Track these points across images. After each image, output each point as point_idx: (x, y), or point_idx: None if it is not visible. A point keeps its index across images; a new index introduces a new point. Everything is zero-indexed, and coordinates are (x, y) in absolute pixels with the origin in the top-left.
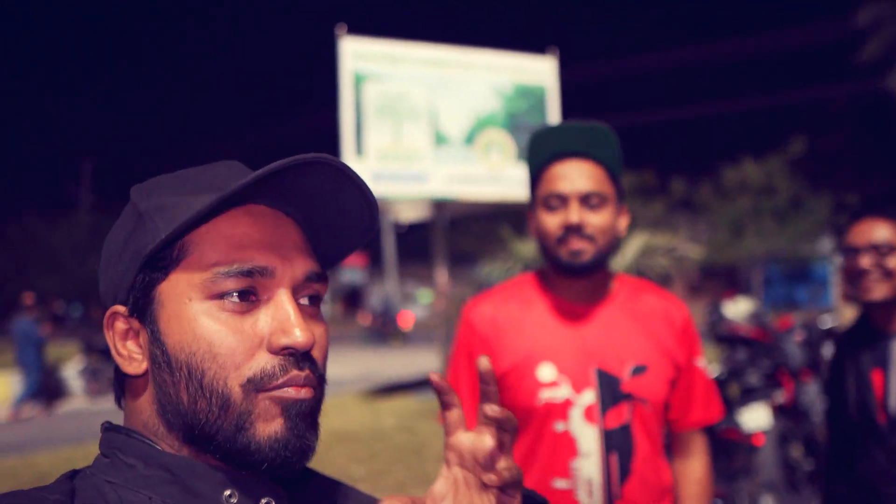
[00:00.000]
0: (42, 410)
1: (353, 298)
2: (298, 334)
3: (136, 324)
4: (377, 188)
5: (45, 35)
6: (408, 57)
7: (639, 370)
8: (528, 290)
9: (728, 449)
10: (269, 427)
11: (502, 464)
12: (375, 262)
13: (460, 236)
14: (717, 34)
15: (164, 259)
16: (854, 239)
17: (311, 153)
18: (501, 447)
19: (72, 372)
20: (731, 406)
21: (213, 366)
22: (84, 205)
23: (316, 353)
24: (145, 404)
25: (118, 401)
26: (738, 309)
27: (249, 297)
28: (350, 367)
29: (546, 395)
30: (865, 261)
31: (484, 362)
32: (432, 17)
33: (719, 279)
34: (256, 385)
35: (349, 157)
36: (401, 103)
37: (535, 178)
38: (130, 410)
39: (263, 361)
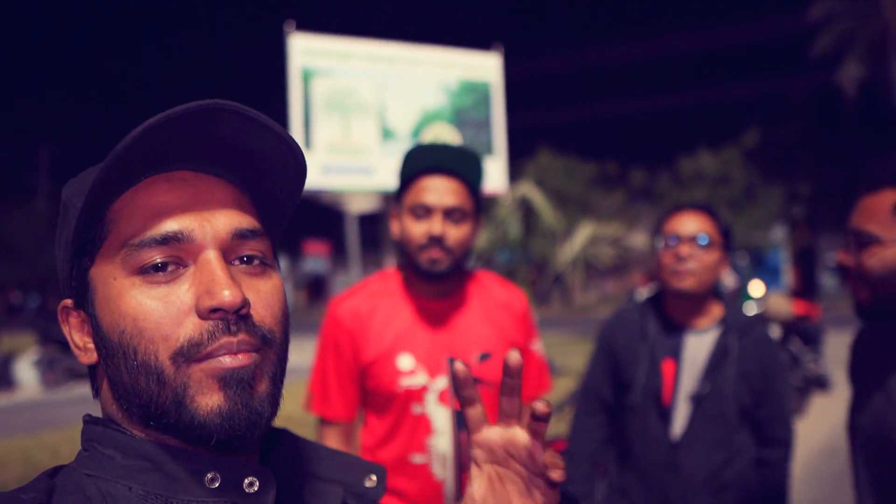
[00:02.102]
0: None
1: (316, 287)
2: (225, 293)
3: (82, 314)
4: (327, 181)
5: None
6: (356, 53)
7: (485, 357)
8: (390, 287)
9: None
10: (208, 400)
11: (549, 456)
12: (339, 251)
13: None
14: (673, 28)
15: (89, 243)
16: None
17: (200, 102)
18: (537, 437)
19: (26, 363)
20: None
21: (142, 341)
22: (42, 191)
23: (260, 312)
24: (106, 393)
25: (95, 395)
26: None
27: (171, 267)
28: (309, 354)
29: (406, 383)
30: (684, 249)
31: (514, 356)
32: (379, 14)
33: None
34: (185, 355)
35: None
36: (349, 98)
37: (405, 185)
38: (101, 402)
39: (190, 328)
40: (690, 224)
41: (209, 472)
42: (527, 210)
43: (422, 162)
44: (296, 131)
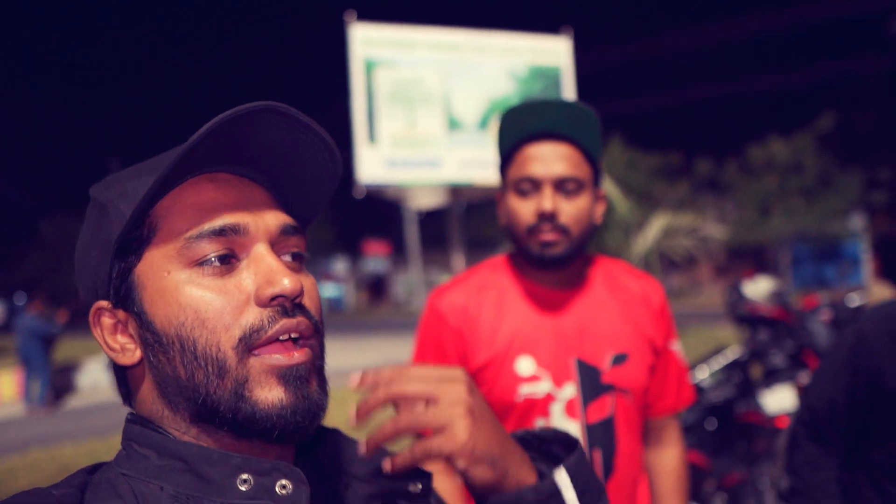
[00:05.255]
0: (49, 406)
1: (377, 287)
2: (286, 282)
3: (121, 314)
4: (392, 175)
5: (69, 31)
6: (419, 42)
7: (619, 359)
8: (500, 277)
9: (749, 432)
10: (269, 394)
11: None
12: (399, 251)
13: (478, 222)
14: (742, 10)
15: (134, 241)
16: None
17: (255, 103)
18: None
19: (100, 365)
20: (752, 388)
21: (203, 332)
22: None
23: (308, 303)
24: (146, 393)
25: (126, 399)
26: (757, 288)
27: (229, 259)
28: (372, 355)
29: (526, 391)
30: None
31: (354, 378)
32: (442, 1)
33: (746, 259)
34: (247, 342)
35: (362, 145)
36: (413, 89)
37: (507, 158)
38: (138, 404)
39: (252, 316)
40: None
41: (242, 474)
42: None
43: (522, 127)
44: (359, 125)
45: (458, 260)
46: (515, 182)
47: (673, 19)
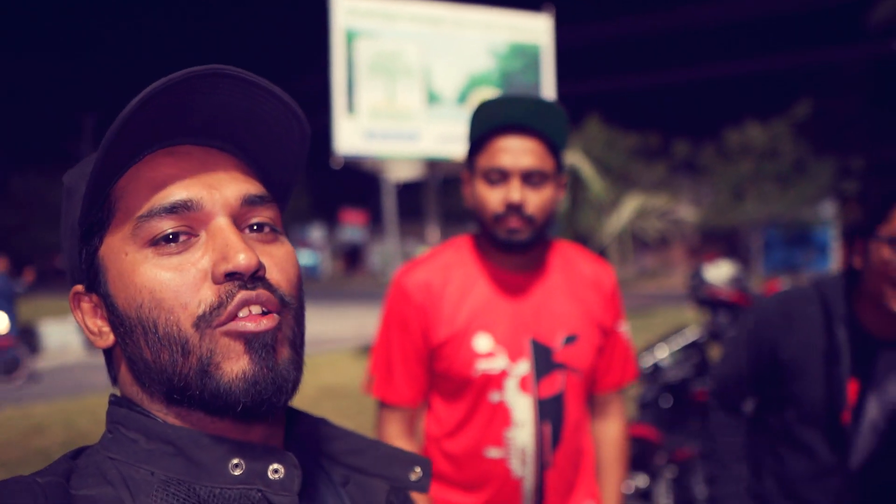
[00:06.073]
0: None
1: (353, 256)
2: (241, 257)
3: (95, 298)
4: (370, 147)
5: None
6: (401, 14)
7: (570, 339)
8: (464, 258)
9: (703, 410)
10: (235, 365)
11: None
12: (376, 220)
13: (455, 195)
14: None
15: (95, 224)
16: None
17: (194, 68)
18: None
19: (71, 326)
20: (709, 368)
21: (161, 312)
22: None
23: (275, 276)
24: (125, 376)
25: (112, 379)
26: (719, 273)
27: (183, 237)
28: (346, 323)
29: (483, 366)
30: None
31: None
32: None
33: (719, 242)
34: (208, 320)
35: (341, 116)
36: (394, 61)
37: (477, 146)
38: (120, 387)
39: (209, 294)
40: None
41: (233, 459)
42: (574, 180)
43: (494, 118)
44: (338, 96)
45: (434, 232)
46: (485, 171)
47: (655, 0)
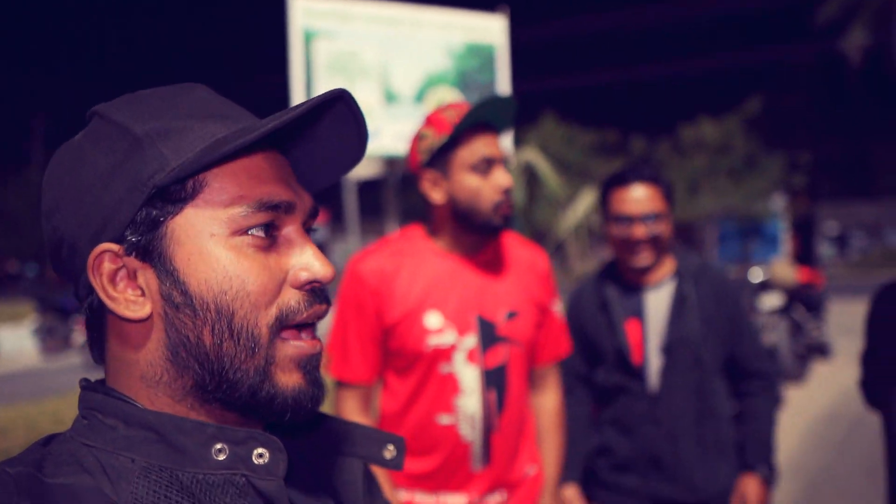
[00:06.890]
0: None
1: None
2: (325, 269)
3: (135, 263)
4: None
5: None
6: (358, 14)
7: (511, 315)
8: (414, 244)
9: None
10: (290, 378)
11: None
12: (337, 219)
13: (414, 193)
14: None
15: (176, 192)
16: (626, 208)
17: (333, 90)
18: None
19: (25, 331)
20: None
21: (245, 304)
22: (36, 161)
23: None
24: (151, 352)
25: (98, 356)
26: None
27: (272, 234)
28: None
29: (434, 341)
30: (640, 231)
31: None
32: None
33: (676, 235)
34: (282, 322)
35: None
36: (351, 61)
37: (453, 144)
38: (122, 363)
39: (290, 297)
40: (640, 203)
41: (217, 444)
42: (530, 176)
43: (468, 118)
44: (297, 96)
45: (394, 229)
46: (474, 164)
47: (610, 0)
